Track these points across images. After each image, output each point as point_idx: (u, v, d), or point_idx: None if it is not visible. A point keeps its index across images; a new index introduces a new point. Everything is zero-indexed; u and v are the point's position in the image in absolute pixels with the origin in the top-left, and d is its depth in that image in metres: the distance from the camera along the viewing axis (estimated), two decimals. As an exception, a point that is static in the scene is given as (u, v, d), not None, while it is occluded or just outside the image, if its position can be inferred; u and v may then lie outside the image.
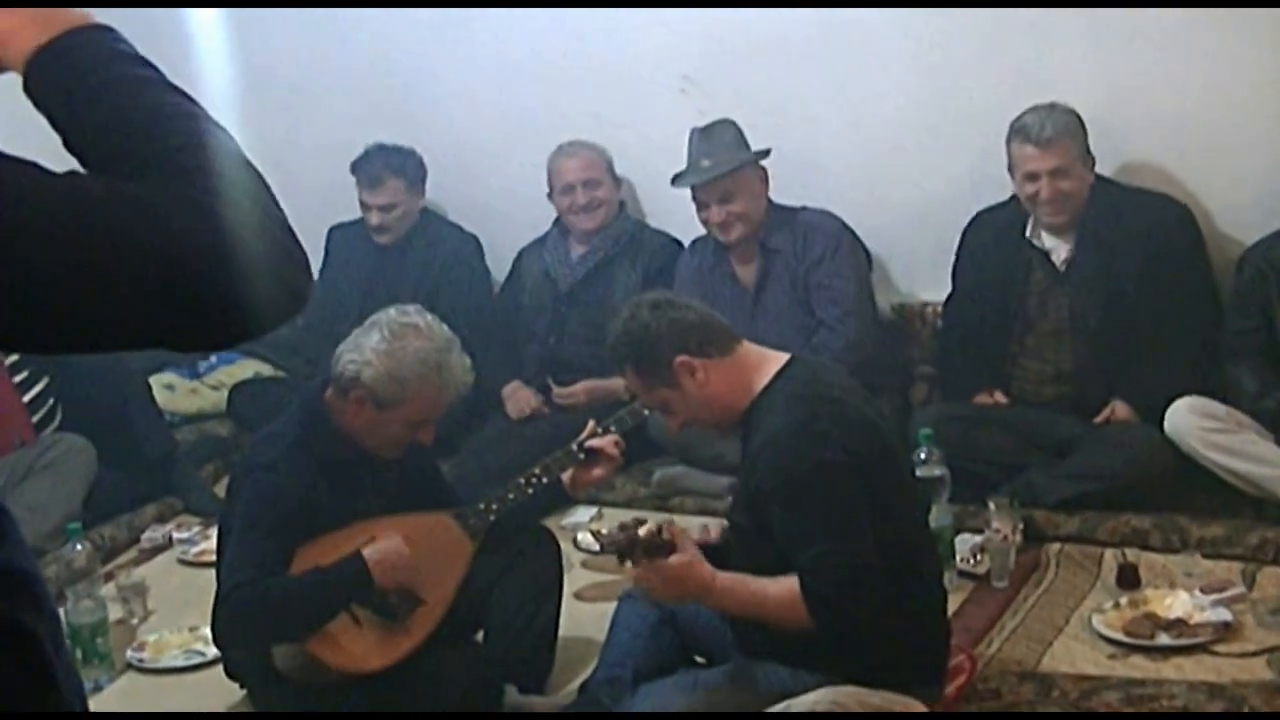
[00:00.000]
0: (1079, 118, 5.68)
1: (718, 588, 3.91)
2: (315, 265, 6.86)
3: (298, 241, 1.65)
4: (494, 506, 4.53)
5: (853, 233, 6.15)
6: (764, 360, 4.04)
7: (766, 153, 6.10)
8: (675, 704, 3.91)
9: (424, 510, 4.56)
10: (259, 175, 1.64)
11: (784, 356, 4.05)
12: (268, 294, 1.60)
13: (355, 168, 6.84)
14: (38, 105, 1.64)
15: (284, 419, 4.56)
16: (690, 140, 6.12)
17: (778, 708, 2.32)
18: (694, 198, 6.13)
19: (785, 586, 3.83)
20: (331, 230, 7.07)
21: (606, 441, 4.50)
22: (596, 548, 5.29)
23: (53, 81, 1.63)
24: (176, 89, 1.66)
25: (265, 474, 4.37)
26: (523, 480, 4.53)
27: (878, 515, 3.87)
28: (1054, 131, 5.62)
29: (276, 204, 1.64)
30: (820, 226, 6.13)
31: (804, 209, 6.19)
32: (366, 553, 4.28)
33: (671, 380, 4.00)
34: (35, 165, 1.56)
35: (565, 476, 4.53)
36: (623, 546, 3.87)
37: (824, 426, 3.85)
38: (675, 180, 6.16)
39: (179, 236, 1.53)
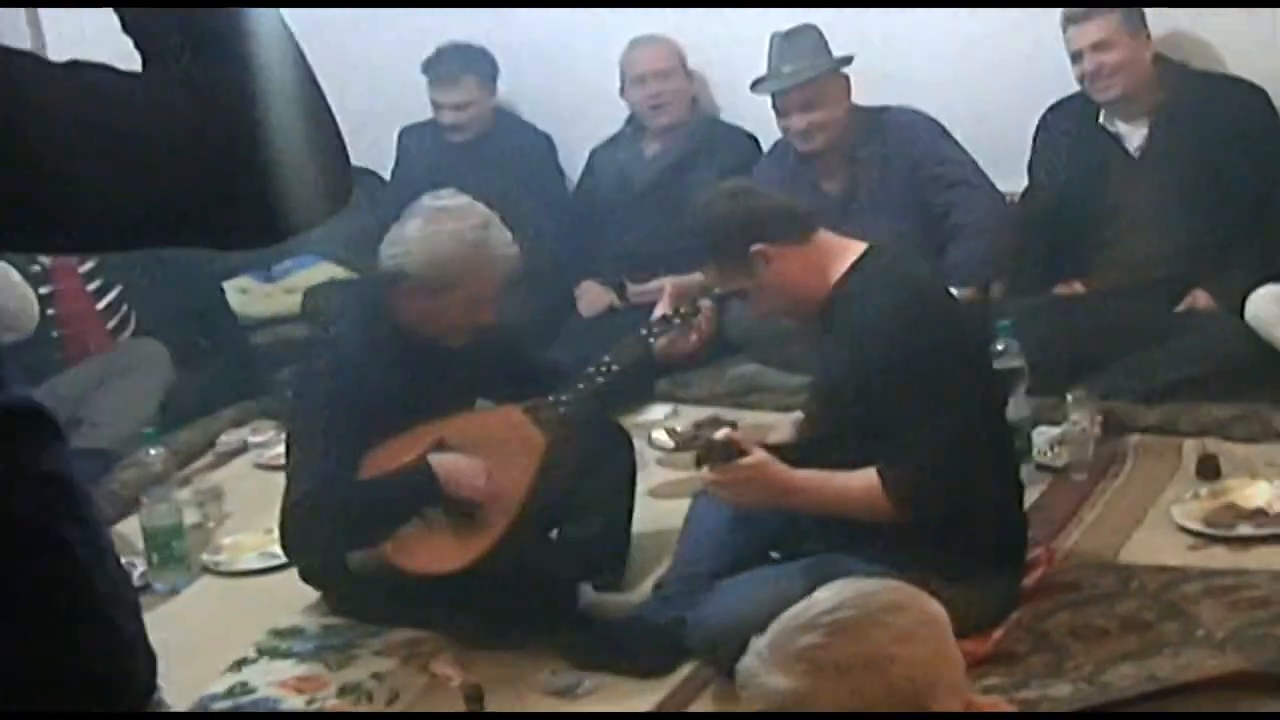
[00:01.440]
0: None
1: (794, 487, 3.92)
2: (387, 166, 6.93)
3: (342, 142, 1.63)
4: (565, 399, 4.50)
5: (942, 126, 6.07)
6: (843, 248, 4.02)
7: (849, 59, 5.97)
8: (752, 600, 3.86)
9: (497, 400, 4.55)
10: (307, 71, 1.60)
11: (862, 245, 4.03)
12: (303, 192, 1.58)
13: (427, 67, 6.79)
14: None
15: (341, 321, 4.55)
16: (771, 45, 5.99)
17: (804, 603, 2.31)
18: (774, 105, 6.03)
19: (864, 480, 3.83)
20: (402, 131, 7.04)
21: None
22: (671, 445, 5.31)
23: None
24: None
25: (326, 379, 4.36)
26: (592, 370, 4.51)
27: (961, 410, 3.86)
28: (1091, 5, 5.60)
29: (323, 102, 1.61)
30: (911, 124, 6.02)
31: (888, 109, 6.07)
32: (435, 463, 4.27)
33: (749, 269, 3.98)
34: (35, 57, 1.54)
35: (660, 342, 4.53)
36: (699, 451, 3.96)
37: (913, 317, 3.85)
38: (755, 86, 6.05)
39: (208, 126, 1.51)
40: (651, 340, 4.51)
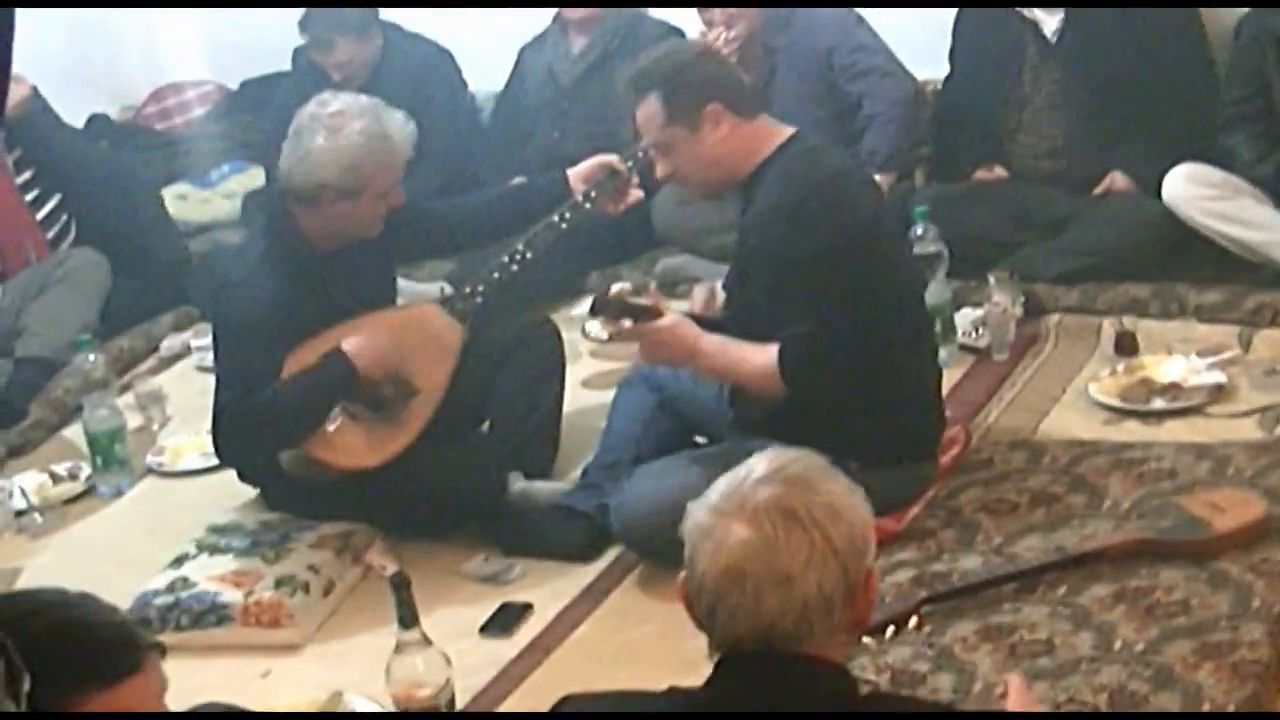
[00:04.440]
0: None
1: (701, 350, 4.04)
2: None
3: None
4: (479, 288, 4.58)
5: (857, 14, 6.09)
6: (774, 133, 4.13)
7: None
8: (670, 480, 3.95)
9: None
10: None
11: (789, 130, 4.12)
12: None
13: (303, 26, 6.54)
14: None
15: (252, 232, 4.60)
16: None
17: (744, 468, 2.40)
18: None
19: (765, 354, 3.96)
20: (296, 52, 6.85)
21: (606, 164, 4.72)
22: (604, 337, 5.39)
23: None
24: None
25: (240, 290, 4.44)
26: (506, 258, 4.58)
27: (866, 295, 3.95)
28: None
29: None
30: (825, 13, 6.04)
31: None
32: (345, 346, 4.35)
33: (695, 124, 4.07)
34: None
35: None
36: (594, 302, 4.10)
37: (816, 209, 3.94)
38: None
39: None
40: (563, 226, 4.60)
